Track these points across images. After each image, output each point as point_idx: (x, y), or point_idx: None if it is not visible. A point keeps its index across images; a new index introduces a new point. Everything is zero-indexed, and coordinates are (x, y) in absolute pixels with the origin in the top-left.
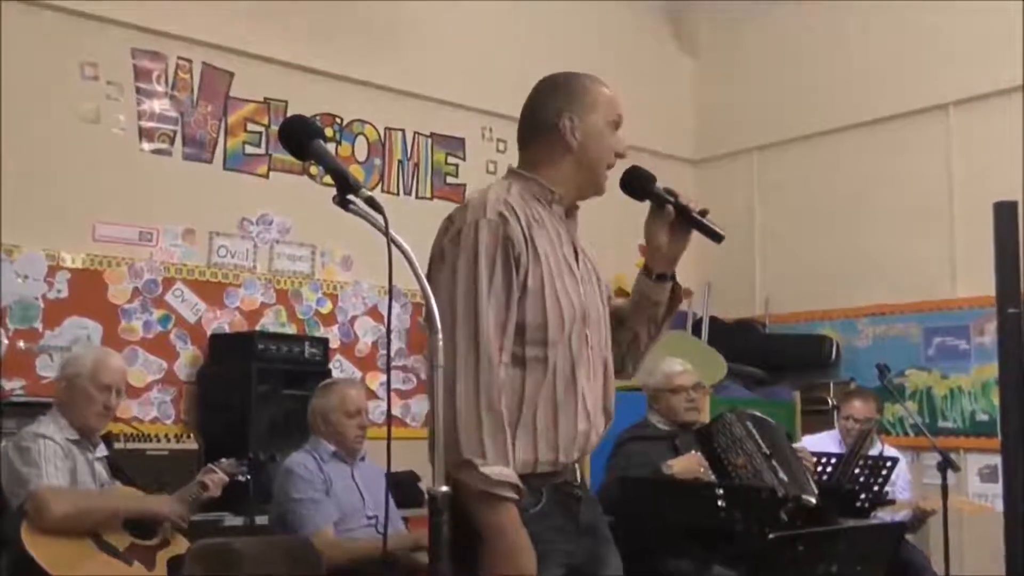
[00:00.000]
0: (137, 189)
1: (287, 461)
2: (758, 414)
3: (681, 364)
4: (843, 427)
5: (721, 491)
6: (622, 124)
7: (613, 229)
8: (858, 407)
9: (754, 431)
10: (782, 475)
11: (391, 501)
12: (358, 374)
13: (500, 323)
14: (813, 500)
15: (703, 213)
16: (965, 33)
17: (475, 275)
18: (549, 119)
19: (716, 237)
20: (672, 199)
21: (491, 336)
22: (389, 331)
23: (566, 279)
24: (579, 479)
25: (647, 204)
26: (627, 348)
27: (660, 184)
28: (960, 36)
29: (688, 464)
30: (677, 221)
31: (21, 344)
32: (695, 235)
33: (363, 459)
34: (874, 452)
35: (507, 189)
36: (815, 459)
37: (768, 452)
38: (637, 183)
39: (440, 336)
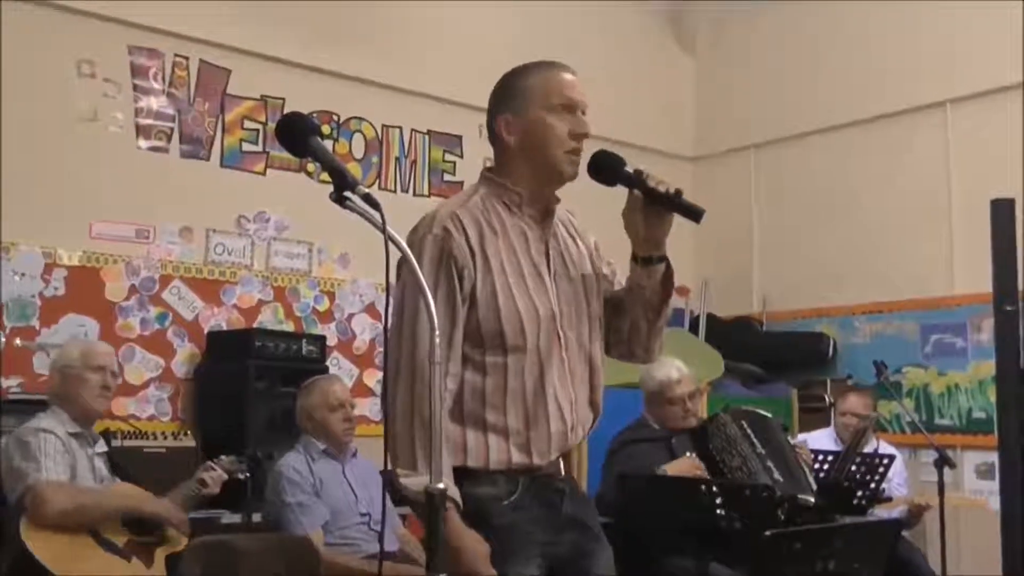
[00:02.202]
0: (134, 187)
1: (279, 463)
2: (755, 410)
3: (678, 370)
4: (841, 424)
5: (717, 489)
6: (577, 106)
7: None
8: (856, 403)
9: (749, 431)
10: (777, 476)
11: (387, 499)
12: (356, 371)
13: (444, 336)
14: (811, 499)
15: (678, 193)
16: (963, 30)
17: (414, 291)
18: (492, 124)
19: (694, 215)
20: (639, 182)
21: (424, 353)
22: (387, 328)
23: (529, 283)
24: (563, 472)
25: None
26: (628, 336)
27: (632, 167)
28: (958, 33)
29: (682, 469)
30: (650, 203)
31: (18, 342)
32: (694, 235)
33: (355, 455)
34: (869, 449)
35: (470, 196)
36: (812, 455)
37: (763, 452)
38: (604, 168)
39: (438, 334)
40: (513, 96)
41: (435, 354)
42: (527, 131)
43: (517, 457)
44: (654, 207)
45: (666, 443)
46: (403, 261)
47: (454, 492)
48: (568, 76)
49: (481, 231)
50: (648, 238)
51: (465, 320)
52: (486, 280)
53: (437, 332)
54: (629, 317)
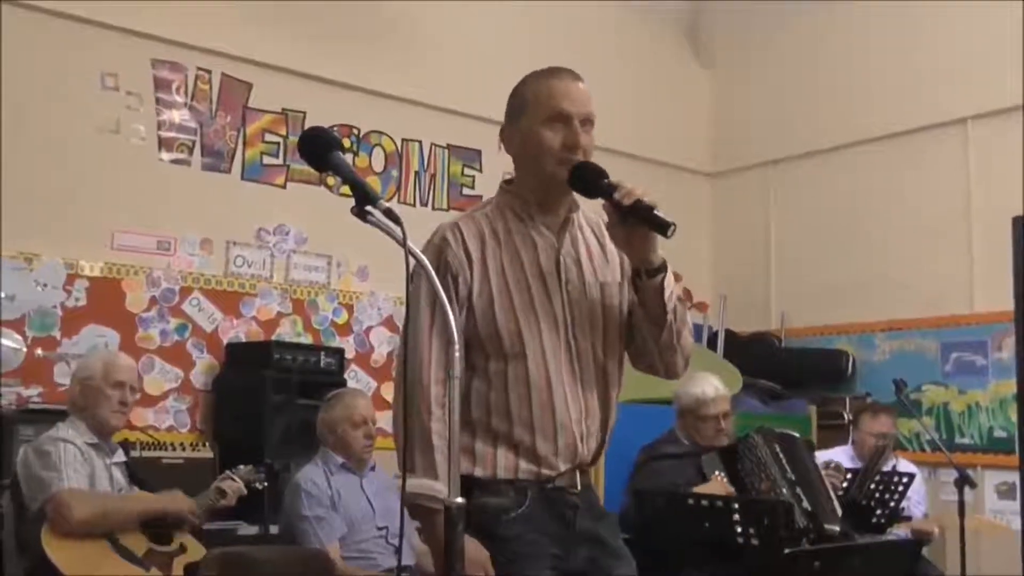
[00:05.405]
0: (156, 199)
1: (296, 476)
2: (787, 433)
3: (715, 388)
4: (864, 443)
5: (736, 506)
6: (571, 116)
7: None
8: (885, 423)
9: (781, 455)
10: (806, 504)
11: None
12: (373, 384)
13: (442, 343)
14: (837, 529)
15: (649, 206)
16: (982, 47)
17: (417, 300)
18: (501, 135)
19: (661, 229)
20: (608, 194)
21: (423, 359)
22: (405, 341)
23: (533, 291)
24: (579, 487)
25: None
26: (642, 351)
27: (608, 179)
28: (977, 50)
29: (713, 490)
30: (622, 214)
31: (39, 352)
32: (712, 250)
33: (373, 469)
34: (888, 468)
35: (481, 207)
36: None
37: (793, 478)
38: (583, 180)
39: (457, 348)
40: (513, 107)
41: (454, 367)
42: (522, 143)
43: (524, 466)
44: (627, 218)
45: (694, 460)
46: (413, 276)
47: (439, 491)
48: (561, 84)
49: (483, 240)
50: (631, 251)
51: (466, 327)
52: (483, 287)
53: (457, 346)
54: (640, 332)
